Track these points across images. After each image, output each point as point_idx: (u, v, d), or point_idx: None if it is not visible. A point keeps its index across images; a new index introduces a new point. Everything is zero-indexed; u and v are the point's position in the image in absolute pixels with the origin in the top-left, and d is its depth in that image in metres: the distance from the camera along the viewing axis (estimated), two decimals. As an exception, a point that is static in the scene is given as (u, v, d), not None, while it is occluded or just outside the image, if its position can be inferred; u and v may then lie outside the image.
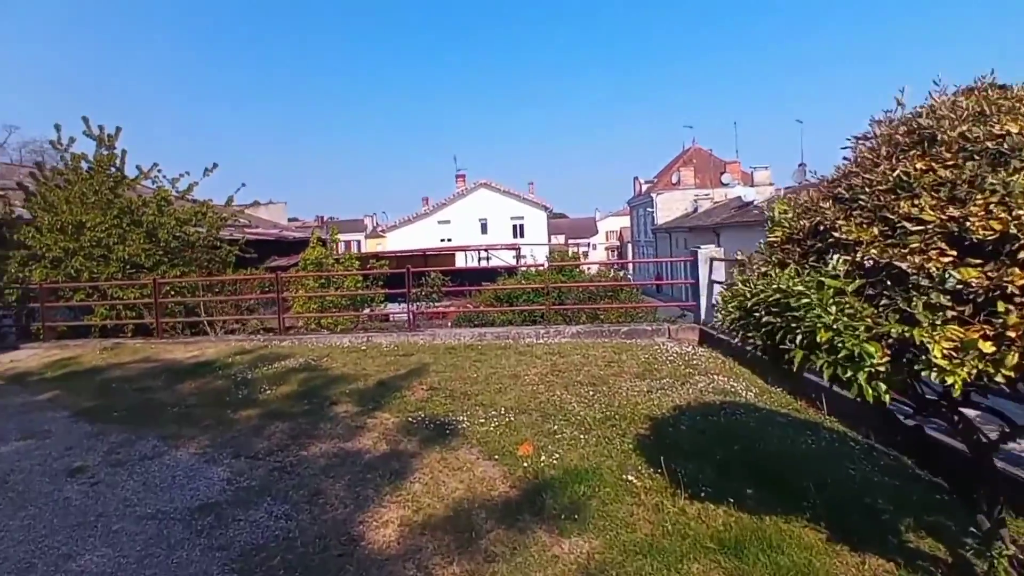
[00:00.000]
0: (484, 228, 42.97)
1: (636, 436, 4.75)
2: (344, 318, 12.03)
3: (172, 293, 12.02)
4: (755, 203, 31.84)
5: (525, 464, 4.28)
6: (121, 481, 4.31)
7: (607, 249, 79.30)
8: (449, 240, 41.01)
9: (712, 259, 9.05)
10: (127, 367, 8.23)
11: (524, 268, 13.41)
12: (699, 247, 9.31)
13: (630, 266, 43.08)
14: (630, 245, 64.51)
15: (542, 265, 15.49)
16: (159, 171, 13.79)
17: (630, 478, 3.97)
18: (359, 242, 60.15)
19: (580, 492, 3.81)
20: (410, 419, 5.39)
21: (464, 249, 28.40)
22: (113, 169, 13.27)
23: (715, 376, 6.46)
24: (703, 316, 8.98)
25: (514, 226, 43.11)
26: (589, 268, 21.12)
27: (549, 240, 43.03)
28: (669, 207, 49.81)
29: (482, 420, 5.28)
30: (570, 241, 65.25)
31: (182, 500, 4.00)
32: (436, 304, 11.44)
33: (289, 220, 43.91)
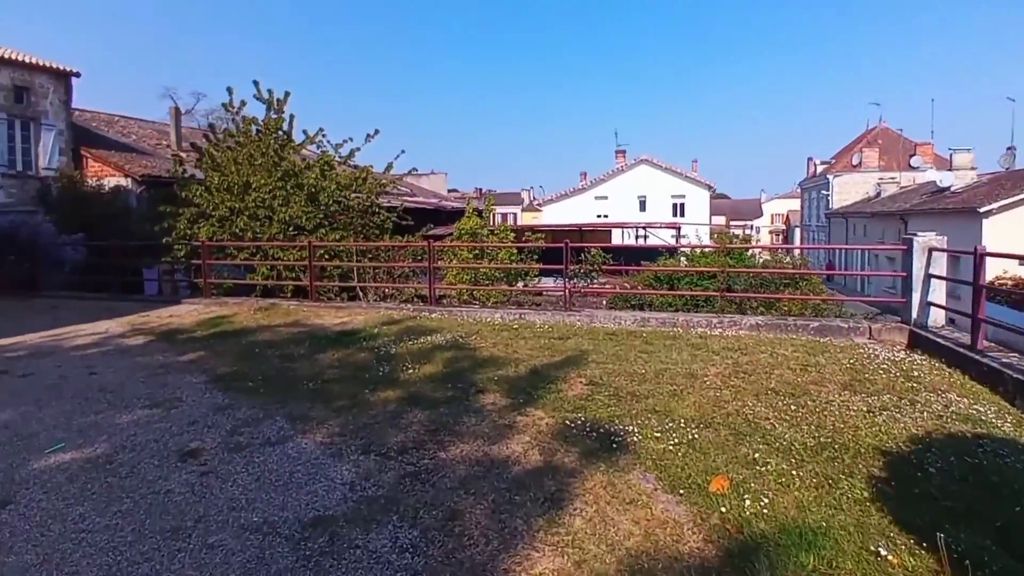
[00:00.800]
0: (643, 205, 40.60)
1: (869, 478, 3.37)
2: (496, 292, 11.18)
3: (326, 257, 11.90)
4: (952, 189, 26.63)
5: (722, 508, 3.02)
6: (234, 473, 3.52)
7: (771, 233, 72.98)
8: (606, 216, 39.32)
9: (931, 249, 7.00)
10: (275, 330, 7.89)
11: (688, 248, 11.68)
12: (916, 234, 7.20)
13: (797, 252, 38.47)
14: (798, 229, 58.41)
15: (709, 246, 13.59)
16: (324, 136, 13.79)
17: (880, 550, 2.63)
18: (515, 215, 60.59)
19: (808, 565, 2.54)
20: (567, 421, 4.26)
21: (621, 226, 26.71)
22: (280, 133, 13.47)
23: (947, 395, 4.95)
24: (914, 315, 7.07)
25: (674, 204, 40.29)
26: (760, 252, 18.58)
27: (710, 221, 39.98)
28: (847, 190, 43.94)
29: (656, 433, 4.00)
30: (732, 223, 60.69)
31: (296, 507, 3.09)
32: (593, 282, 10.23)
33: (449, 191, 44.96)
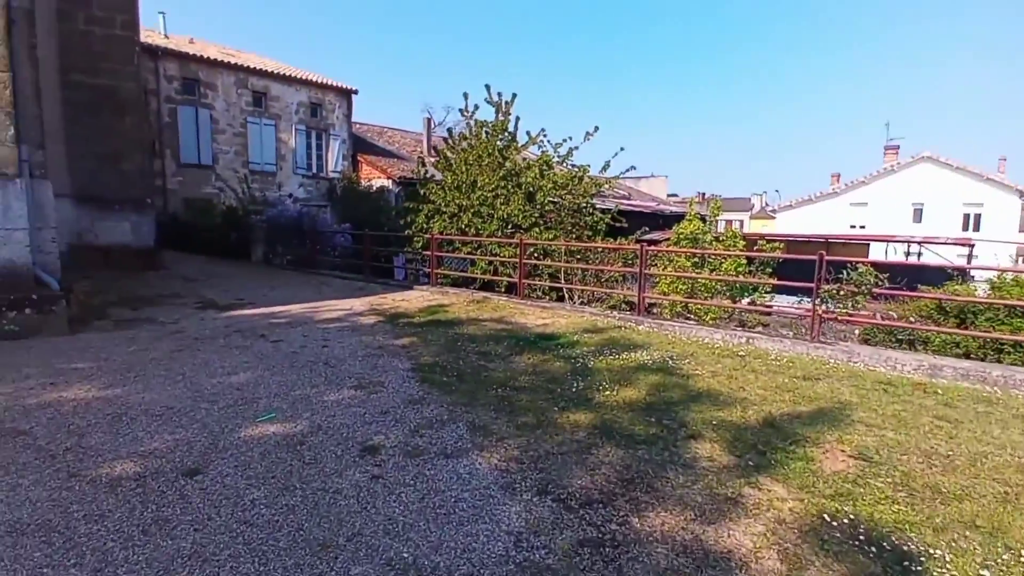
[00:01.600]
0: (917, 215, 32.79)
1: None
2: (716, 307, 9.86)
3: (537, 255, 11.72)
4: None
5: None
6: (403, 484, 3.15)
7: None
8: (862, 227, 32.93)
9: None
10: (481, 324, 7.78)
11: (995, 271, 8.62)
12: None
13: None
14: None
15: None
16: (544, 136, 13.71)
17: None
18: (741, 222, 55.85)
19: None
20: (824, 513, 2.97)
21: (887, 239, 21.58)
22: (506, 134, 13.72)
23: None
24: None
25: (966, 215, 31.59)
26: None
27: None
28: None
29: (983, 568, 2.53)
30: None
31: (450, 552, 2.53)
32: (855, 308, 7.89)
33: (668, 196, 43.03)
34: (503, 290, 11.73)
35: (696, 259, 11.55)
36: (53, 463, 3.25)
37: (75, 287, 6.77)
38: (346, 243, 14.64)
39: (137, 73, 12.56)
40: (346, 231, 14.80)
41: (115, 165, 12.40)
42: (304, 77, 23.26)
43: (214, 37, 32.41)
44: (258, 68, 21.75)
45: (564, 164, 13.65)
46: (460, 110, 14.54)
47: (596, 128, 13.35)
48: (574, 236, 12.66)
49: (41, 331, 5.99)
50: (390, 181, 23.08)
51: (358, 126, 28.03)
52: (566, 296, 11.18)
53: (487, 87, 13.85)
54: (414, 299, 10.01)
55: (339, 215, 24.19)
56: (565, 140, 13.49)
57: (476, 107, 14.17)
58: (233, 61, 21.30)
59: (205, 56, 20.24)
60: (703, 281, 10.77)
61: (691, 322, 8.60)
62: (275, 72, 22.25)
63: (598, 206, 13.65)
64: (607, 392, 4.89)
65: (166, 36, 21.50)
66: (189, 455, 3.42)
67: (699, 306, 10.07)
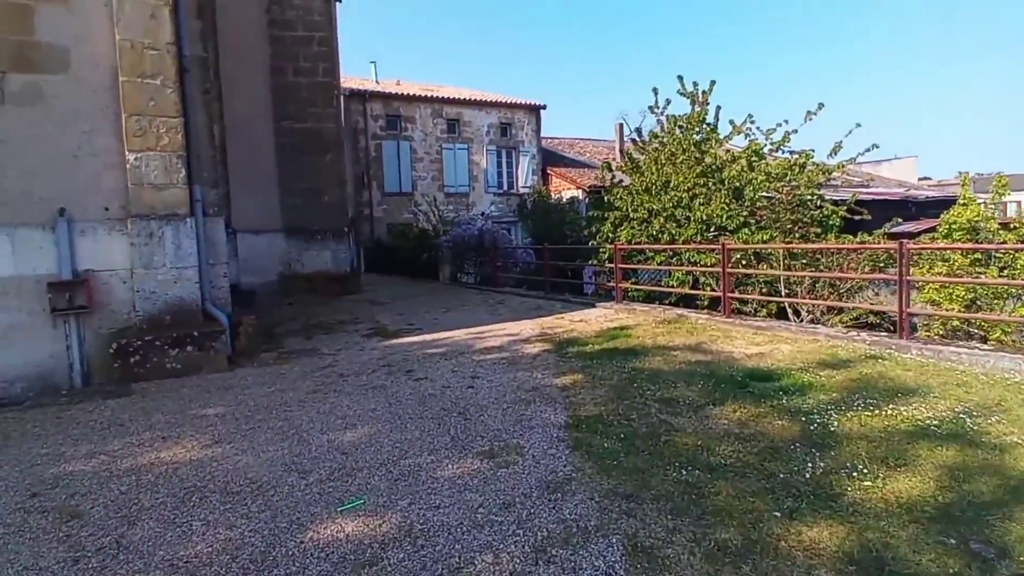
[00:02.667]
0: None
1: None
2: (1017, 322, 6.76)
3: (745, 263, 9.48)
4: None
5: None
6: None
7: None
8: None
9: None
10: (670, 354, 6.07)
11: None
12: None
13: None
14: None
15: None
16: (752, 123, 11.37)
17: None
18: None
19: None
20: None
21: None
22: (704, 126, 11.70)
23: None
24: None
25: None
26: None
27: None
28: None
29: None
30: None
31: None
32: None
33: (919, 180, 35.27)
34: (704, 306, 9.72)
35: (978, 255, 8.29)
36: (74, 568, 2.56)
37: (243, 320, 6.79)
38: (529, 258, 13.89)
39: (336, 114, 13.35)
40: (528, 246, 14.04)
41: (318, 199, 13.26)
42: (493, 100, 23.57)
43: (417, 77, 35.25)
44: (451, 98, 22.56)
45: (779, 152, 11.18)
46: (650, 107, 12.87)
47: (820, 106, 10.67)
48: (796, 236, 10.12)
49: (202, 368, 5.95)
50: (580, 192, 22.16)
51: (548, 140, 27.73)
52: (788, 312, 8.80)
53: (679, 78, 12.02)
54: (594, 319, 8.62)
55: (529, 230, 23.98)
56: (779, 124, 11.03)
57: (668, 102, 12.42)
58: (429, 94, 22.39)
59: (404, 93, 21.57)
60: (991, 286, 7.61)
61: (983, 347, 5.76)
62: (467, 99, 22.88)
63: (828, 197, 10.87)
64: (867, 481, 2.95)
65: (376, 82, 23.49)
66: (227, 571, 2.49)
67: (987, 322, 7.02)
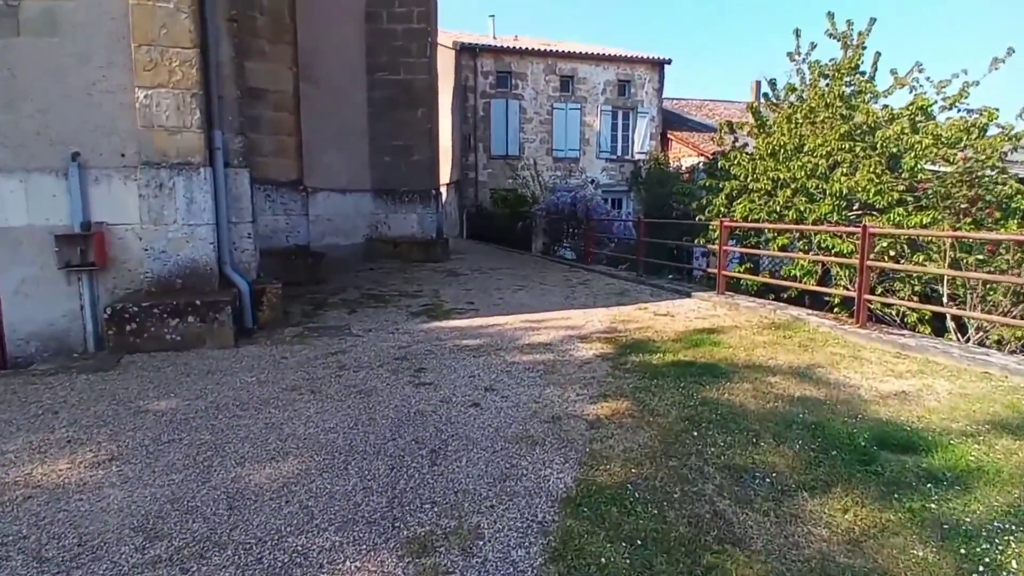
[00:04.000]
0: None
1: None
2: None
3: (891, 253, 7.12)
4: None
5: None
6: None
7: None
8: None
9: None
10: (764, 381, 4.30)
11: None
12: None
13: None
14: None
15: None
16: (920, 72, 8.66)
17: None
18: None
19: None
20: None
21: None
22: (857, 75, 9.12)
23: None
24: None
25: None
26: None
27: None
28: None
29: None
30: None
31: None
32: None
33: None
34: (831, 308, 7.56)
35: None
36: None
37: (267, 288, 6.01)
38: (628, 233, 12.11)
39: (430, 65, 12.28)
40: (626, 219, 12.24)
41: (407, 158, 12.41)
42: (612, 54, 21.30)
43: (535, 32, 33.26)
44: (566, 51, 20.68)
45: (952, 110, 8.44)
46: (788, 54, 10.42)
47: (1010, 51, 7.81)
48: (969, 223, 7.52)
49: (205, 342, 5.20)
50: (702, 159, 19.54)
51: (671, 102, 24.94)
52: (949, 326, 6.46)
53: (829, 15, 9.48)
54: (682, 314, 6.89)
55: (642, 200, 21.81)
56: (955, 75, 8.25)
57: (812, 46, 9.94)
58: (543, 48, 20.69)
59: (516, 47, 20.06)
60: None
61: None
62: (583, 53, 20.87)
63: (1017, 174, 8.05)
64: None
65: (494, 37, 22.20)
66: None
67: None
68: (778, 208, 8.93)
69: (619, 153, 22.16)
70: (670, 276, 10.23)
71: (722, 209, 10.15)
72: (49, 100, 5.19)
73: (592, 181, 21.64)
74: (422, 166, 12.46)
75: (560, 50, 20.64)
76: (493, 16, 24.13)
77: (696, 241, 11.19)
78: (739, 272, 8.57)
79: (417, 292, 8.60)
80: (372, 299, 7.96)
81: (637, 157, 22.00)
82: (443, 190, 25.19)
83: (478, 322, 6.50)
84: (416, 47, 11.94)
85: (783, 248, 8.85)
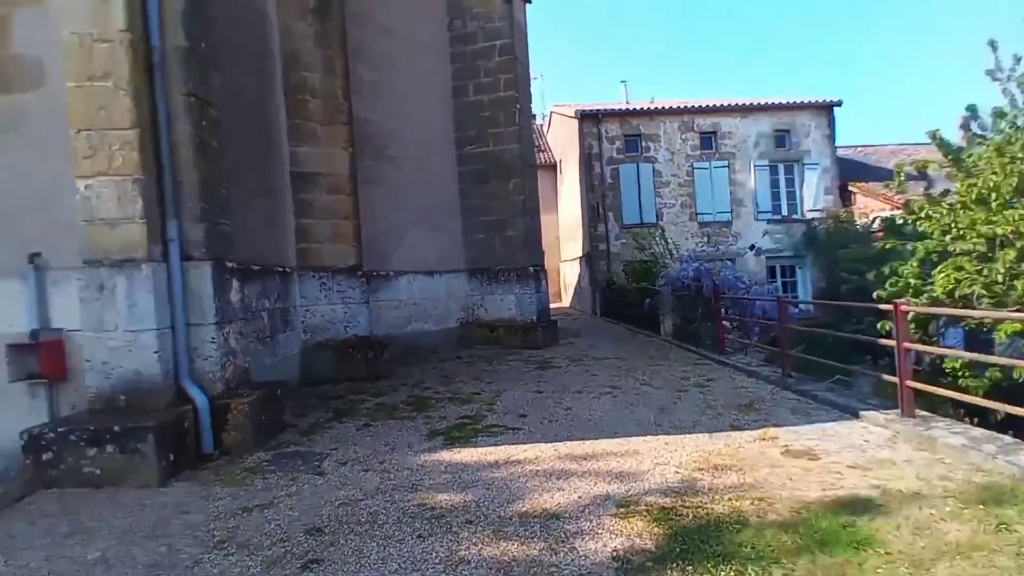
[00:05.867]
0: None
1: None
2: None
3: None
4: None
5: None
6: None
7: None
8: None
9: None
10: None
11: None
12: None
13: None
14: None
15: None
16: None
17: None
18: None
19: None
20: None
21: None
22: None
23: None
24: None
25: None
26: None
27: None
28: None
29: None
30: None
31: None
32: None
33: None
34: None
35: None
36: None
37: (232, 405, 4.93)
38: (767, 314, 9.36)
39: (520, 133, 11.25)
40: (769, 297, 9.52)
41: (501, 234, 11.29)
42: (763, 103, 18.69)
43: (671, 95, 31.20)
44: (704, 106, 18.62)
45: None
46: (988, 72, 7.57)
47: None
48: None
49: (126, 479, 4.15)
50: (898, 213, 15.69)
51: (856, 150, 21.27)
52: None
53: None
54: (832, 453, 4.35)
55: (820, 267, 18.21)
56: None
57: (1017, 59, 7.07)
58: (675, 106, 18.90)
59: (644, 108, 18.55)
60: None
61: None
62: (725, 106, 18.61)
63: None
64: None
65: (627, 103, 21.06)
66: None
67: None
68: (1000, 278, 5.86)
69: (784, 212, 18.94)
70: (836, 378, 7.27)
71: (912, 282, 7.18)
72: (14, 199, 4.86)
73: (752, 247, 18.66)
74: (517, 242, 11.21)
75: (696, 105, 18.64)
76: (624, 82, 23.14)
77: (881, 328, 7.93)
78: (923, 387, 5.55)
79: (475, 395, 7.04)
80: (411, 406, 6.57)
81: (809, 215, 18.60)
82: (568, 266, 23.84)
83: (499, 454, 4.69)
84: (504, 116, 11.04)
85: (1014, 337, 5.70)
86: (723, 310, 9.62)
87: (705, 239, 18.48)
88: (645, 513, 3.44)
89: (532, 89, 12.77)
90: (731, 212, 18.62)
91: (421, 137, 10.62)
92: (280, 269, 7.60)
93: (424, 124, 10.71)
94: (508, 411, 6.19)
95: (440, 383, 7.84)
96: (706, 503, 3.56)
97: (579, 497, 3.72)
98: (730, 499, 3.61)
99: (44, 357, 4.67)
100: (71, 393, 4.88)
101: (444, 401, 6.77)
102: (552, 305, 23.30)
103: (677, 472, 4.14)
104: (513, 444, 4.98)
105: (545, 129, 26.77)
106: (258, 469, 4.47)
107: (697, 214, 18.52)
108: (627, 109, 18.70)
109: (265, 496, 3.92)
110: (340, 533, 3.30)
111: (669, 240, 16.59)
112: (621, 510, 3.50)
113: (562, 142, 22.63)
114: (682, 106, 18.73)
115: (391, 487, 4.02)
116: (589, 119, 18.07)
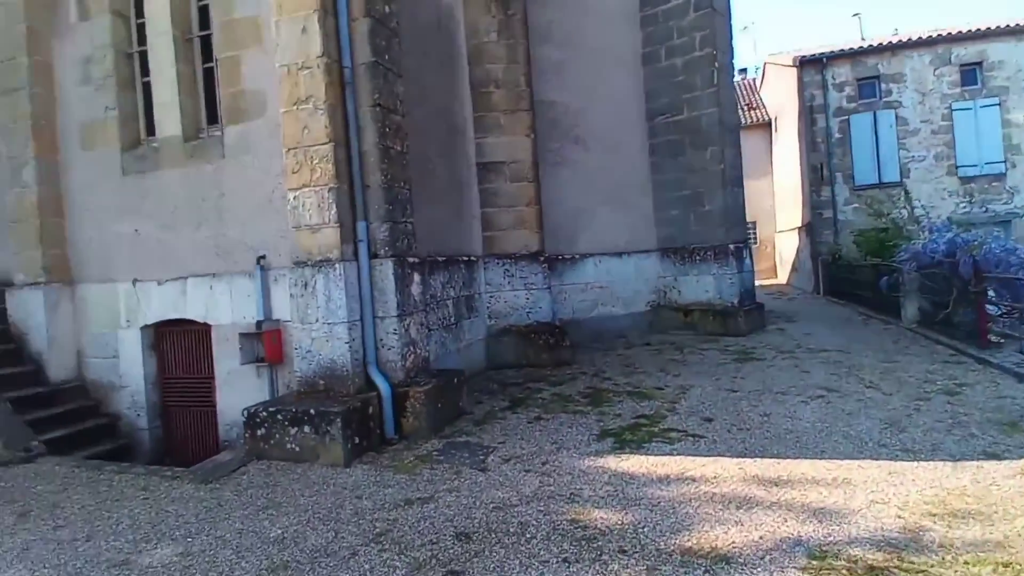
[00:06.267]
0: None
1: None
2: None
3: None
4: None
5: None
6: None
7: None
8: None
9: None
10: None
11: None
12: None
13: None
14: None
15: None
16: None
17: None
18: None
19: None
20: None
21: None
22: None
23: None
24: None
25: None
26: None
27: None
28: None
29: None
30: None
31: None
32: None
33: None
34: None
35: None
36: None
37: (410, 393, 5.17)
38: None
39: (718, 95, 10.06)
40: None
41: (696, 208, 10.36)
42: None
43: (924, 23, 24.96)
44: (965, 32, 14.70)
45: None
46: None
47: None
48: None
49: (319, 456, 4.63)
50: None
51: None
52: None
53: None
54: None
55: None
56: None
57: None
58: (925, 36, 15.25)
59: (882, 44, 15.30)
60: None
61: None
62: (994, 29, 14.46)
63: None
64: None
65: (862, 39, 17.76)
66: None
67: None
68: None
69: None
70: None
71: None
72: (246, 211, 5.74)
73: (1036, 207, 14.57)
74: (714, 217, 10.15)
75: (955, 32, 14.80)
76: (858, 15, 19.30)
77: None
78: None
79: (657, 390, 6.57)
80: (587, 398, 6.37)
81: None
82: (784, 237, 21.03)
83: (672, 467, 4.23)
84: (700, 78, 9.96)
85: None
86: (987, 293, 7.51)
87: (967, 199, 14.83)
88: (845, 572, 2.76)
89: (737, 43, 11.37)
90: (1005, 162, 14.60)
91: (609, 113, 10.17)
92: (466, 258, 7.93)
93: (612, 99, 10.21)
94: (692, 412, 5.62)
95: (622, 373, 7.49)
96: (933, 566, 2.74)
97: (760, 537, 3.15)
98: (967, 562, 2.73)
99: (267, 344, 5.49)
100: (286, 375, 5.67)
101: (622, 395, 6.42)
102: (764, 282, 20.98)
103: (899, 516, 3.28)
104: (691, 455, 4.47)
105: (758, 84, 23.94)
106: (428, 458, 4.70)
107: (957, 167, 14.89)
108: (861, 48, 15.66)
109: (428, 489, 4.08)
110: (487, 543, 3.25)
111: (917, 203, 13.62)
112: (813, 563, 2.86)
113: (778, 97, 19.98)
114: (935, 35, 15.05)
115: (548, 493, 3.88)
116: (811, 65, 15.57)
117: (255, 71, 5.61)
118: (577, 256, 10.01)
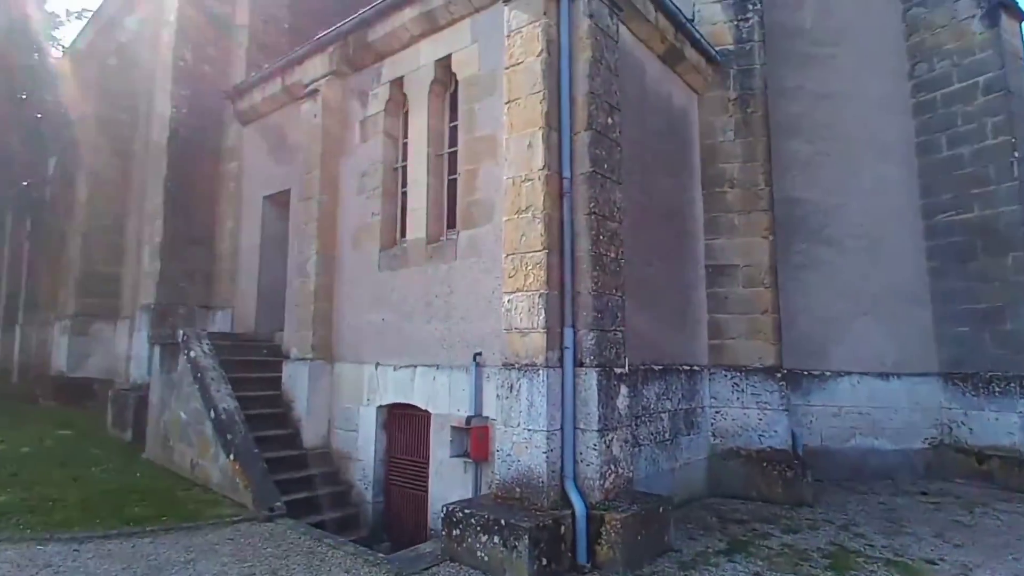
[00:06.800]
0: None
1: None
2: None
3: None
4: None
5: None
6: None
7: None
8: None
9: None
10: None
11: None
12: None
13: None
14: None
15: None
16: None
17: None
18: None
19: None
20: None
21: None
22: None
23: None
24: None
25: None
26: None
27: None
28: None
29: None
30: None
31: None
32: None
33: None
34: None
35: None
36: None
37: (608, 518, 4.63)
38: None
39: (1020, 189, 8.00)
40: None
41: (993, 326, 8.24)
42: None
43: None
44: None
45: None
46: None
47: None
48: None
49: (504, 572, 4.35)
50: None
51: None
52: None
53: None
54: None
55: None
56: None
57: None
58: None
59: None
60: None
61: None
62: None
63: None
64: None
65: None
66: None
67: None
68: None
69: None
70: None
71: None
72: (469, 309, 6.14)
73: None
74: (1020, 339, 7.84)
75: None
76: None
77: None
78: None
79: (928, 563, 5.01)
80: (827, 558, 5.10)
81: None
82: None
83: None
84: (995, 170, 8.12)
85: None
86: None
87: None
88: None
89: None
90: None
91: (870, 210, 8.83)
92: (687, 367, 7.33)
93: (875, 194, 8.89)
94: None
95: (880, 530, 5.93)
96: None
97: None
98: None
99: (474, 440, 5.63)
100: (489, 474, 5.69)
101: (877, 564, 5.02)
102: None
103: None
104: None
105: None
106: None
107: None
108: None
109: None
110: None
111: None
112: None
113: None
114: None
115: None
116: None
117: (487, 182, 6.17)
118: (828, 373, 8.58)
